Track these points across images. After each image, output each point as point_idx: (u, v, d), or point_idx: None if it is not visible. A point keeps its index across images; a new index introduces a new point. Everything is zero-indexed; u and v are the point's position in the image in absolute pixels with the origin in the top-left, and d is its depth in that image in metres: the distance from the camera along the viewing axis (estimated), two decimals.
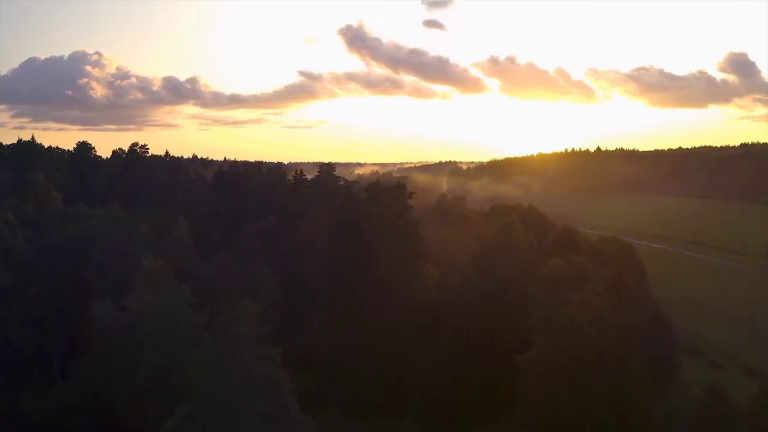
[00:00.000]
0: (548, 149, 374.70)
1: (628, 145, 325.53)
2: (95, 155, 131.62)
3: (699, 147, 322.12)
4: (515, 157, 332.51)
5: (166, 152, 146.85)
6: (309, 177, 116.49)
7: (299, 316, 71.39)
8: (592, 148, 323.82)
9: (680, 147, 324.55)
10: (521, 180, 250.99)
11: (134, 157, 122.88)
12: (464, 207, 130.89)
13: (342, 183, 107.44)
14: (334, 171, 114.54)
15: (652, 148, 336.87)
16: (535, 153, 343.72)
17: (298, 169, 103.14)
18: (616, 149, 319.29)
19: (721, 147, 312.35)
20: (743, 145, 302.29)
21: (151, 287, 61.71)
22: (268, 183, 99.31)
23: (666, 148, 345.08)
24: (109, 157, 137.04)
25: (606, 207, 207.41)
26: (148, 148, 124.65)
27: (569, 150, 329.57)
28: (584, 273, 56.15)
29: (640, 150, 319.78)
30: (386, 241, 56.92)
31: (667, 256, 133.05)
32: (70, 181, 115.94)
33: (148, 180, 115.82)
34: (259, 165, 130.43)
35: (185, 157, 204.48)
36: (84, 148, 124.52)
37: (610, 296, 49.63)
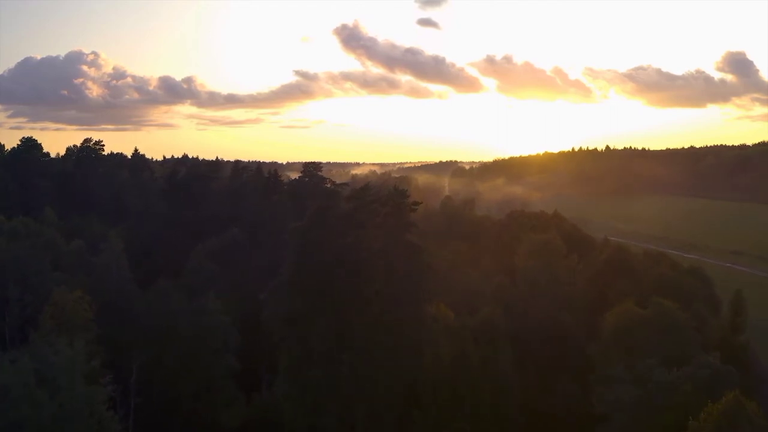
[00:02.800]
0: (550, 148, 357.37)
1: (630, 145, 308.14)
2: (44, 153, 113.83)
3: (713, 146, 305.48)
4: (521, 157, 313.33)
5: (135, 150, 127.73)
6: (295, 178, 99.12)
7: (262, 368, 53.20)
8: (600, 147, 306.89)
9: (692, 146, 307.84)
10: (531, 181, 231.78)
11: (86, 156, 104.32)
12: (474, 213, 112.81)
13: (328, 186, 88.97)
14: (321, 171, 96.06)
15: (663, 147, 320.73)
16: (541, 152, 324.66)
17: (273, 168, 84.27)
18: (625, 148, 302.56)
19: (738, 146, 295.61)
20: (761, 144, 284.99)
21: (56, 333, 44.43)
22: (235, 187, 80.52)
23: (678, 146, 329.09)
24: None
25: (625, 210, 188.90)
26: (103, 146, 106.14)
27: (576, 149, 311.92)
28: (671, 323, 38.05)
29: (651, 149, 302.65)
30: (377, 276, 38.55)
31: (708, 269, 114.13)
32: (8, 185, 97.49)
33: (101, 183, 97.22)
34: (234, 164, 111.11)
35: (176, 157, 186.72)
36: (29, 145, 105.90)
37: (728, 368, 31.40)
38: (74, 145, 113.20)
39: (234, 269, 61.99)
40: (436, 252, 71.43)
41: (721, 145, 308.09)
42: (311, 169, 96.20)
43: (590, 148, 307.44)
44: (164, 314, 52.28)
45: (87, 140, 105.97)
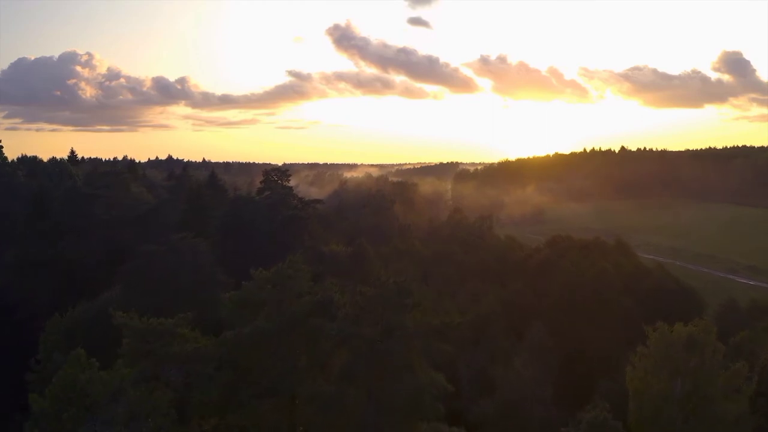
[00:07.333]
0: (552, 149, 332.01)
1: (644, 146, 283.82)
2: None
3: (737, 147, 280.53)
4: (528, 159, 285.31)
5: (71, 152, 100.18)
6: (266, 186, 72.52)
7: None
8: (615, 148, 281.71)
9: (711, 147, 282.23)
10: (549, 186, 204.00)
11: None
12: (495, 235, 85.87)
13: (295, 203, 62.34)
14: (288, 179, 69.42)
15: (682, 148, 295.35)
16: (550, 153, 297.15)
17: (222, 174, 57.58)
18: (639, 149, 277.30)
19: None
20: None
21: None
22: (152, 208, 53.65)
23: (696, 147, 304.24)
24: None
25: (662, 220, 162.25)
26: (1, 147, 79.64)
27: (588, 150, 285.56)
28: None
29: (671, 150, 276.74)
30: None
31: None
32: None
33: None
34: (184, 167, 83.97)
35: (160, 158, 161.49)
36: None
37: None
38: None
39: None
40: (443, 305, 45.39)
41: (744, 146, 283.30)
42: (274, 177, 69.57)
43: (603, 149, 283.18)
44: None
45: None
